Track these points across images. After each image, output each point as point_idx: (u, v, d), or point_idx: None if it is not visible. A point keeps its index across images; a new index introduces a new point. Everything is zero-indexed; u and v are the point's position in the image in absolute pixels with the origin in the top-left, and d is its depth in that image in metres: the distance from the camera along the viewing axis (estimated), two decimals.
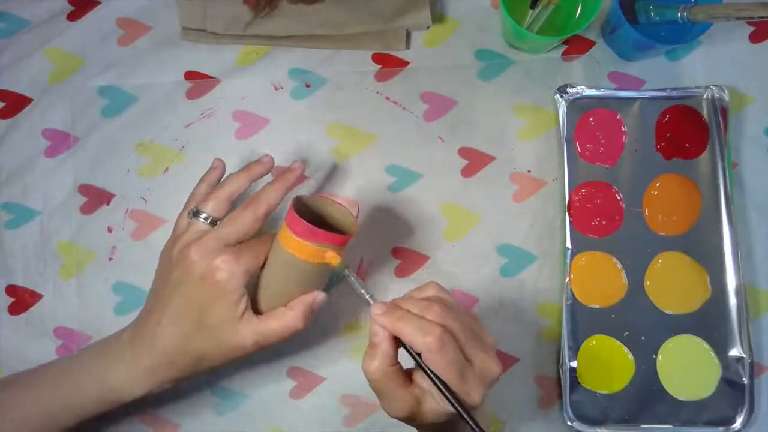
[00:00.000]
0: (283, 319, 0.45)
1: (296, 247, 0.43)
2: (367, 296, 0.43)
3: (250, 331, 0.45)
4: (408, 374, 0.42)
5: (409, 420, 0.42)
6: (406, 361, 0.41)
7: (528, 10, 0.56)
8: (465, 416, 0.38)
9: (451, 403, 0.39)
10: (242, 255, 0.44)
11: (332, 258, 0.44)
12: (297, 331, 0.46)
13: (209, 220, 0.47)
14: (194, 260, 0.44)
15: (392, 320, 0.40)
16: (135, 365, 0.46)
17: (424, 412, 0.41)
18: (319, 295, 0.47)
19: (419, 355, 0.39)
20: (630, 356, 0.56)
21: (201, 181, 0.51)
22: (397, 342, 0.41)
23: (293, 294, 0.46)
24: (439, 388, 0.39)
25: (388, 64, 0.61)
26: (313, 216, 0.46)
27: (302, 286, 0.46)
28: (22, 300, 0.59)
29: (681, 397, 0.56)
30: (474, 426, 0.38)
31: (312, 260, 0.44)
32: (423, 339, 0.38)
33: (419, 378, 0.41)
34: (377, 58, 0.61)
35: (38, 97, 0.61)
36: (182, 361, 0.46)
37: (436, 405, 0.40)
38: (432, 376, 0.39)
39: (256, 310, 0.46)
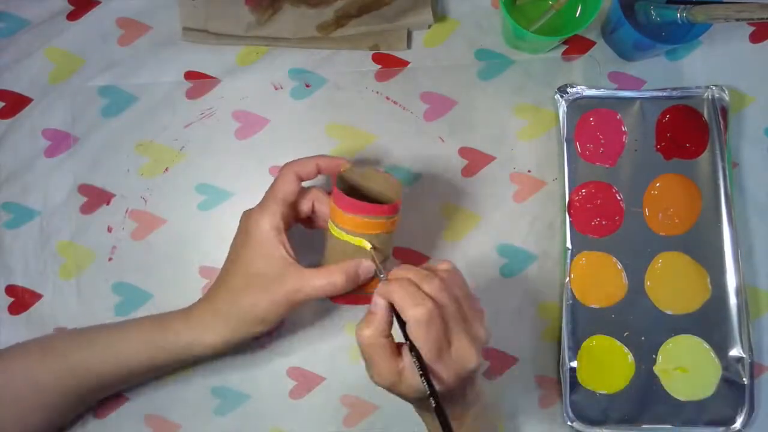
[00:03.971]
0: (325, 273, 0.46)
1: (341, 219, 0.47)
2: (381, 275, 0.45)
3: (292, 277, 0.46)
4: (397, 347, 0.43)
5: (389, 390, 0.43)
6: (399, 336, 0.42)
7: (535, 12, 0.56)
8: (430, 391, 0.39)
9: (421, 376, 0.39)
10: (266, 205, 0.48)
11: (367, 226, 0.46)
12: (336, 287, 0.46)
13: None
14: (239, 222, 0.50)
15: (387, 286, 0.41)
16: (193, 323, 0.50)
17: (403, 386, 0.42)
18: (365, 262, 0.47)
19: (404, 324, 0.40)
20: (630, 356, 0.56)
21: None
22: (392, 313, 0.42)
23: None
24: (415, 361, 0.40)
25: (388, 64, 0.61)
26: (362, 193, 0.50)
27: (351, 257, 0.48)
28: (21, 300, 0.59)
29: (681, 397, 0.56)
30: (436, 403, 0.39)
31: (353, 229, 0.46)
32: (412, 309, 0.39)
33: (406, 353, 0.42)
34: (377, 58, 0.61)
35: (38, 97, 0.61)
36: (234, 317, 0.48)
37: (414, 382, 0.41)
38: (411, 347, 0.40)
39: None
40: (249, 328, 0.48)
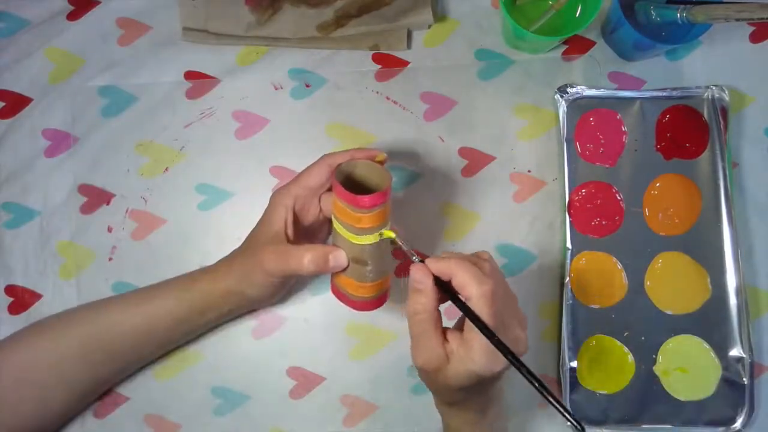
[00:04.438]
0: (297, 252, 0.47)
1: (339, 210, 0.46)
2: (414, 257, 0.44)
3: (275, 251, 0.48)
4: (443, 330, 0.42)
5: (432, 374, 0.42)
6: None
7: (535, 12, 0.56)
8: (511, 360, 0.39)
9: (498, 347, 0.39)
10: (287, 185, 0.50)
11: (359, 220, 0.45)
12: (302, 267, 0.46)
13: None
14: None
15: (449, 264, 0.41)
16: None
17: (448, 371, 0.41)
18: (340, 255, 0.47)
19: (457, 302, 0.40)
20: (630, 356, 0.56)
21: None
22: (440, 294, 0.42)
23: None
24: (484, 332, 0.39)
25: (388, 64, 0.61)
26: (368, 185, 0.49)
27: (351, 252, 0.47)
28: (21, 300, 0.59)
29: (681, 397, 0.56)
30: (522, 368, 0.39)
31: (350, 222, 0.45)
32: (477, 287, 0.39)
33: (453, 337, 0.42)
34: (377, 58, 0.61)
35: (38, 97, 0.61)
36: (238, 270, 0.50)
37: (462, 367, 0.40)
38: (477, 321, 0.39)
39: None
40: (248, 284, 0.50)
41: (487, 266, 0.42)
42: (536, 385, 0.38)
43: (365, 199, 0.44)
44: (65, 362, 0.51)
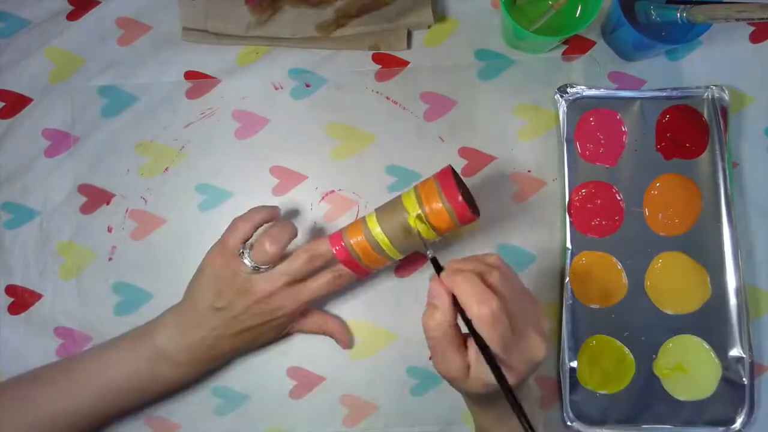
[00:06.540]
0: None
1: (428, 197, 0.48)
2: (428, 252, 0.44)
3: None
4: (464, 339, 0.42)
5: (456, 382, 0.42)
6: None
7: (535, 12, 0.56)
8: (503, 387, 0.38)
9: (494, 372, 0.38)
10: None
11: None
12: None
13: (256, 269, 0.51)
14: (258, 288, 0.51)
15: (453, 280, 0.39)
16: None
17: (470, 379, 0.41)
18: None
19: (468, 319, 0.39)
20: (630, 356, 0.56)
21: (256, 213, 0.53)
22: (455, 307, 0.41)
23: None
24: (484, 356, 0.39)
25: (388, 64, 0.61)
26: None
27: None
28: (21, 300, 0.59)
29: (681, 397, 0.56)
30: (512, 398, 0.38)
31: (433, 216, 0.48)
32: (478, 308, 0.38)
33: (472, 346, 0.41)
34: (377, 58, 0.61)
35: (38, 97, 0.61)
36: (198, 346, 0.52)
37: (483, 376, 0.40)
38: (478, 342, 0.39)
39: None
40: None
41: (497, 275, 0.40)
42: (518, 412, 0.38)
43: (472, 216, 0.47)
44: None
